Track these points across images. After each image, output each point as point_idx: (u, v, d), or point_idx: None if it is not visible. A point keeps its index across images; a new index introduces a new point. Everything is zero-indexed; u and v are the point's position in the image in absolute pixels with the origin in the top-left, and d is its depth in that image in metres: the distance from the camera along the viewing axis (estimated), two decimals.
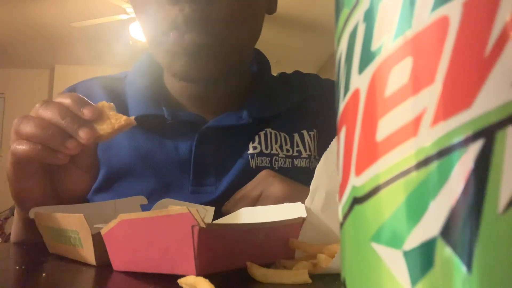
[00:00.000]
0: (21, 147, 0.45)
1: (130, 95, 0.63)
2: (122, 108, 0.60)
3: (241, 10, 0.54)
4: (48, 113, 0.45)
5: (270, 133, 0.62)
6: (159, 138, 0.60)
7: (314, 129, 0.65)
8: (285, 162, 0.61)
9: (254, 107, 0.61)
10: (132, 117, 0.47)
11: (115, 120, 0.46)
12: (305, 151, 0.63)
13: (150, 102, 0.61)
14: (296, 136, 0.63)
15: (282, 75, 0.71)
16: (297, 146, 0.63)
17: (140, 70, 0.65)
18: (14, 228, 0.58)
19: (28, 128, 0.45)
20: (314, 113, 0.66)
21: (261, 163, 0.60)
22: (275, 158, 0.61)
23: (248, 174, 0.56)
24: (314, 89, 0.69)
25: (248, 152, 0.60)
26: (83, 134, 0.44)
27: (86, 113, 0.45)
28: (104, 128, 0.45)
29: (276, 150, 0.61)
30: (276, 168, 0.60)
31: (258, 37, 0.60)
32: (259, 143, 0.60)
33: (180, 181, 0.58)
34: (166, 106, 0.60)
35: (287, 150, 0.62)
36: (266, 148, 0.60)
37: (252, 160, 0.59)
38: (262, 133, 0.61)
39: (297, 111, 0.65)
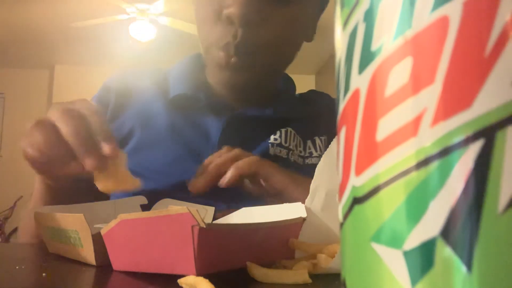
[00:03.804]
0: (29, 151, 0.46)
1: (171, 80, 0.71)
2: (165, 86, 0.70)
3: (285, 36, 0.63)
4: (65, 128, 0.44)
5: (291, 132, 0.69)
6: (192, 117, 0.68)
7: (325, 135, 0.73)
8: (298, 159, 0.68)
9: (278, 108, 0.70)
10: (137, 180, 0.47)
11: (121, 178, 0.45)
12: (316, 151, 0.70)
13: (189, 85, 0.69)
14: (309, 142, 0.71)
15: (300, 95, 0.80)
16: (309, 149, 0.71)
17: (182, 65, 0.74)
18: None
19: (37, 140, 0.45)
20: (325, 123, 0.74)
21: (279, 153, 0.67)
22: (292, 152, 0.68)
23: (266, 159, 0.63)
24: (326, 105, 0.78)
25: (269, 141, 0.67)
26: (89, 164, 0.44)
27: (106, 149, 0.44)
28: (109, 184, 0.44)
29: (293, 147, 0.68)
30: (292, 160, 0.67)
31: (293, 60, 0.69)
32: (280, 136, 0.68)
33: (204, 156, 0.63)
34: (203, 91, 0.68)
35: (300, 151, 0.70)
36: (286, 142, 0.68)
37: (272, 148, 0.66)
38: (283, 130, 0.68)
39: (311, 123, 0.72)
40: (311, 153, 0.70)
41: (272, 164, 0.56)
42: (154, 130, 0.67)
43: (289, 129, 0.69)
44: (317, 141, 0.72)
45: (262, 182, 0.55)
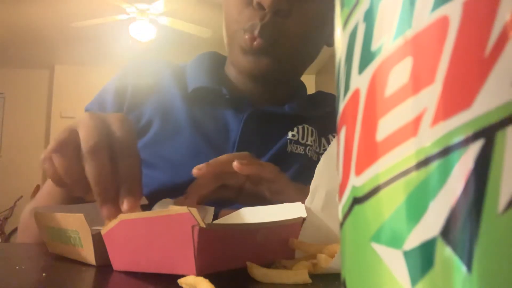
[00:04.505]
0: (47, 167, 0.42)
1: (190, 73, 0.72)
2: (182, 79, 0.71)
3: (309, 33, 0.65)
4: (89, 169, 0.39)
5: (308, 128, 0.71)
6: (212, 111, 0.69)
7: None
8: (314, 155, 0.70)
9: (295, 106, 0.72)
10: None
11: None
12: None
13: (210, 79, 0.69)
14: (323, 139, 0.74)
15: (309, 95, 0.82)
16: (324, 146, 0.73)
17: (201, 60, 0.74)
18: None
19: (58, 162, 0.41)
20: (336, 121, 0.75)
21: (295, 150, 0.69)
22: (309, 148, 0.70)
23: (283, 156, 0.65)
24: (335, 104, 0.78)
25: (288, 137, 0.69)
26: (104, 213, 0.39)
27: (125, 206, 0.39)
28: None
29: (311, 142, 0.71)
30: (309, 155, 0.69)
31: (312, 62, 0.72)
32: (297, 132, 0.70)
33: (224, 150, 0.65)
34: (224, 86, 0.69)
35: (316, 147, 0.72)
36: (303, 138, 0.70)
37: (290, 144, 0.68)
38: (300, 126, 0.71)
39: (323, 122, 0.74)
40: (325, 150, 0.72)
41: (289, 179, 0.55)
42: (173, 122, 0.68)
43: (306, 125, 0.71)
44: (331, 138, 0.74)
45: (267, 194, 0.53)
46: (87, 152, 0.39)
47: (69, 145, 0.40)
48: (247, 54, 0.64)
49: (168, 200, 0.50)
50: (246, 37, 0.62)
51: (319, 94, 0.83)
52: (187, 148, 0.65)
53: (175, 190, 0.54)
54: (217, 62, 0.74)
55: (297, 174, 0.65)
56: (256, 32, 0.61)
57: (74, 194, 0.43)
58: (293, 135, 0.69)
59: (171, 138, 0.66)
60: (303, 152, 0.69)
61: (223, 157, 0.53)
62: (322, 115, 0.74)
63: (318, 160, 0.69)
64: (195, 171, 0.51)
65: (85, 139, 0.40)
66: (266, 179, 0.53)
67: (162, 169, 0.63)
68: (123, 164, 0.40)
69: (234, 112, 0.69)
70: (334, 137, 0.73)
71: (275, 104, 0.72)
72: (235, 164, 0.50)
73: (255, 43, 0.61)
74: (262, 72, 0.65)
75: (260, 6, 0.60)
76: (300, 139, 0.69)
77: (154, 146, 0.65)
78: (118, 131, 0.41)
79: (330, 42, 0.72)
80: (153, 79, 0.72)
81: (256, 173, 0.52)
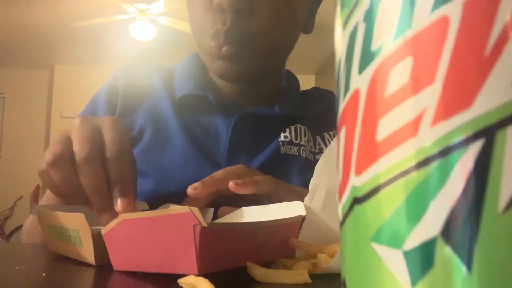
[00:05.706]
0: (46, 179, 0.42)
1: (177, 79, 0.70)
2: (171, 85, 0.70)
3: (278, 26, 0.61)
4: (84, 180, 0.40)
5: (300, 128, 0.69)
6: (201, 117, 0.68)
7: (334, 129, 0.72)
8: (309, 155, 0.68)
9: (286, 106, 0.69)
10: None
11: None
12: (326, 147, 0.70)
13: (196, 85, 0.68)
14: (318, 138, 0.71)
15: (304, 92, 0.79)
16: (319, 145, 0.71)
17: (187, 64, 0.73)
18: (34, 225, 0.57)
19: (55, 175, 0.41)
20: (333, 119, 0.71)
21: (289, 151, 0.67)
22: (303, 148, 0.68)
23: (277, 159, 0.64)
24: (333, 102, 0.77)
25: (280, 139, 0.67)
26: (104, 219, 0.39)
27: (119, 207, 0.39)
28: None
29: (304, 142, 0.68)
30: (304, 156, 0.67)
31: (290, 52, 0.69)
32: (290, 133, 0.68)
33: (216, 155, 0.64)
34: (210, 91, 0.67)
35: (311, 147, 0.70)
36: (296, 139, 0.68)
37: (283, 146, 0.66)
38: (292, 127, 0.69)
39: (319, 120, 0.72)
40: (321, 149, 0.70)
41: (287, 186, 0.53)
42: (164, 130, 0.66)
43: (298, 125, 0.69)
44: (326, 136, 0.72)
45: (267, 202, 0.51)
46: (81, 164, 0.39)
47: (64, 158, 0.40)
48: (216, 59, 0.61)
49: (170, 205, 0.50)
50: (213, 45, 0.59)
51: (315, 90, 0.81)
52: (179, 156, 0.64)
53: (168, 199, 0.53)
54: (202, 65, 0.71)
55: (294, 176, 0.64)
56: (221, 39, 0.58)
57: (75, 203, 0.43)
58: (285, 137, 0.67)
59: (163, 146, 0.65)
60: (297, 153, 0.67)
61: (218, 173, 0.52)
62: (316, 112, 0.72)
63: (314, 160, 0.67)
64: (190, 190, 0.49)
65: (78, 150, 0.40)
66: (264, 195, 0.51)
67: (155, 177, 0.62)
68: (114, 167, 0.40)
69: (222, 117, 0.67)
70: (330, 135, 0.71)
71: (265, 104, 0.69)
72: (231, 184, 0.49)
73: (222, 50, 0.59)
74: (238, 76, 0.63)
75: (220, 8, 0.57)
76: (293, 140, 0.67)
77: (146, 155, 0.64)
78: (110, 134, 0.41)
79: (306, 29, 0.69)
80: (144, 84, 0.71)
81: (253, 192, 0.50)
